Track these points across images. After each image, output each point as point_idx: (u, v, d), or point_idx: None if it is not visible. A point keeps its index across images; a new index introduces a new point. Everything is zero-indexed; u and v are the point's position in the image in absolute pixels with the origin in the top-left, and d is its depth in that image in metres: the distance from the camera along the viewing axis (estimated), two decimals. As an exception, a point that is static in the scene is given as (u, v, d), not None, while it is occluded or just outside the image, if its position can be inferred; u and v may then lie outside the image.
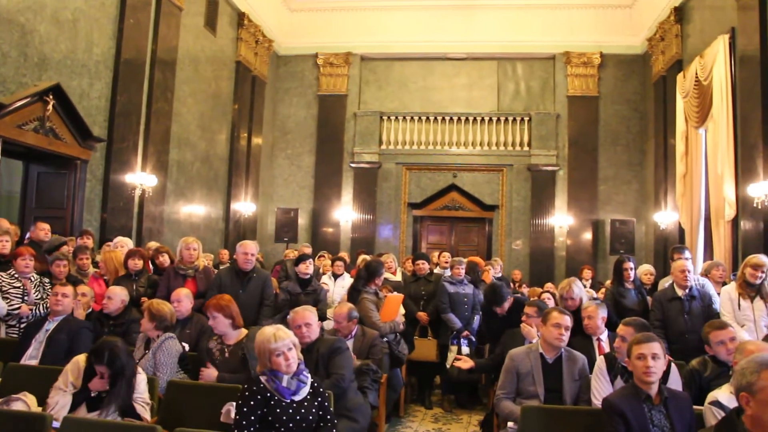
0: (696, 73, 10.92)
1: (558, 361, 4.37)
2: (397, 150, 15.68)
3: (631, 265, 6.39)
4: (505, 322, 6.02)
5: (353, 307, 5.61)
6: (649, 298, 6.53)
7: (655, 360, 3.45)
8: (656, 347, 3.49)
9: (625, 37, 14.88)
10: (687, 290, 5.82)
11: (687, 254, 6.73)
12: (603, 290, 7.60)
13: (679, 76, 12.01)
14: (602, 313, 4.99)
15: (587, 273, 10.95)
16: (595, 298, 5.92)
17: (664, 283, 6.47)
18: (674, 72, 12.41)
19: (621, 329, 4.26)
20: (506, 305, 6.12)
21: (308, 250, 9.85)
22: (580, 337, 5.03)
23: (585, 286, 7.94)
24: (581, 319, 5.07)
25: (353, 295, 6.35)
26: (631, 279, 6.40)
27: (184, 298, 5.41)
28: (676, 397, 3.56)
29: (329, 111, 16.08)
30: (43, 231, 7.27)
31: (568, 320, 4.36)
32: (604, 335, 4.98)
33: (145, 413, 3.77)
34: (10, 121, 7.74)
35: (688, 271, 5.87)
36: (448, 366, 7.11)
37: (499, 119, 15.42)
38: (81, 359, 3.91)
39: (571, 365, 4.35)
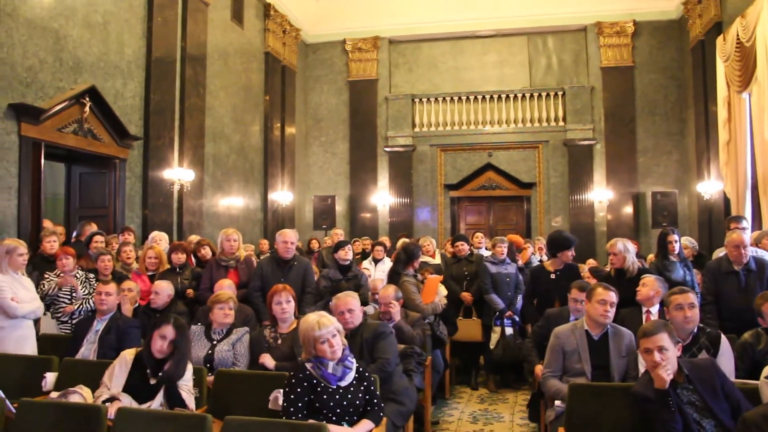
0: (737, 35, 10.56)
1: (604, 337, 4.29)
2: (430, 132, 15.63)
3: (676, 237, 6.14)
4: (554, 285, 5.93)
5: (397, 287, 5.64)
6: (695, 271, 6.36)
7: (662, 352, 3.30)
8: (662, 339, 3.32)
9: (658, 2, 14.53)
10: (744, 263, 5.46)
11: (744, 223, 6.42)
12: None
13: (718, 39, 11.65)
14: (659, 287, 4.88)
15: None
16: (645, 269, 5.75)
17: (719, 253, 6.23)
18: (713, 35, 12.04)
19: (676, 298, 4.14)
20: (570, 253, 6.04)
21: (340, 236, 9.87)
22: (630, 309, 4.98)
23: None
24: (630, 288, 5.02)
25: (394, 278, 6.37)
26: (676, 252, 6.14)
27: (227, 289, 5.49)
28: (698, 367, 3.42)
29: (360, 96, 16.08)
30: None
31: (613, 296, 4.28)
32: (655, 309, 4.88)
33: (190, 400, 3.85)
34: (50, 125, 7.92)
35: (745, 247, 5.45)
36: (491, 347, 7.11)
37: (532, 95, 15.23)
38: (128, 353, 4.01)
39: (618, 341, 4.27)
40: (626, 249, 5.61)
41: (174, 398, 3.78)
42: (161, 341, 3.86)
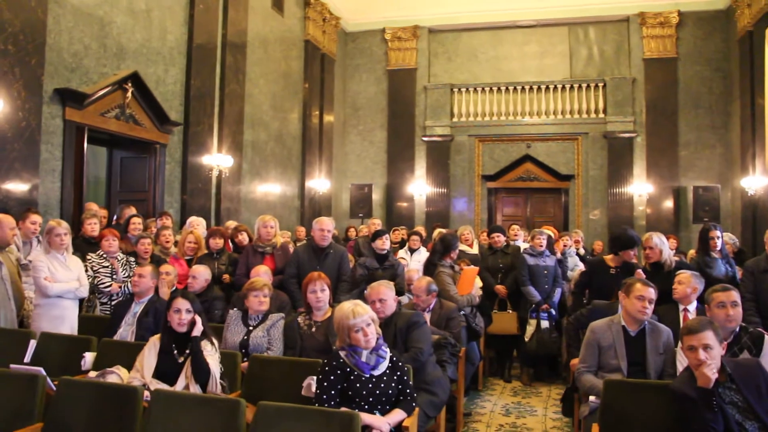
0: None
1: (641, 334, 4.20)
2: (469, 122, 15.54)
3: (718, 233, 5.98)
4: (615, 281, 5.78)
5: (431, 280, 5.61)
6: (738, 268, 6.22)
7: (707, 351, 3.20)
8: (708, 337, 3.22)
9: (705, -8, 14.20)
10: None
11: None
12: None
13: (768, 29, 11.36)
14: (695, 284, 4.79)
15: (670, 243, 10.55)
16: (683, 263, 5.63)
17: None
18: (762, 26, 11.71)
19: (718, 296, 4.01)
20: (632, 253, 5.85)
21: (377, 225, 9.85)
22: (666, 306, 4.87)
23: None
24: (668, 282, 4.92)
25: (429, 268, 6.34)
26: (718, 248, 5.99)
27: (263, 275, 5.53)
28: (741, 366, 3.33)
29: (399, 85, 16.05)
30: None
31: (652, 292, 4.17)
32: (692, 306, 4.78)
33: (215, 367, 3.93)
34: (93, 110, 8.07)
35: None
36: (526, 339, 7.07)
37: (572, 86, 15.03)
38: (156, 338, 4.13)
39: (655, 338, 4.18)
40: (662, 242, 5.50)
41: (199, 367, 3.86)
42: (177, 315, 4.01)
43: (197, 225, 7.75)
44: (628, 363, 4.15)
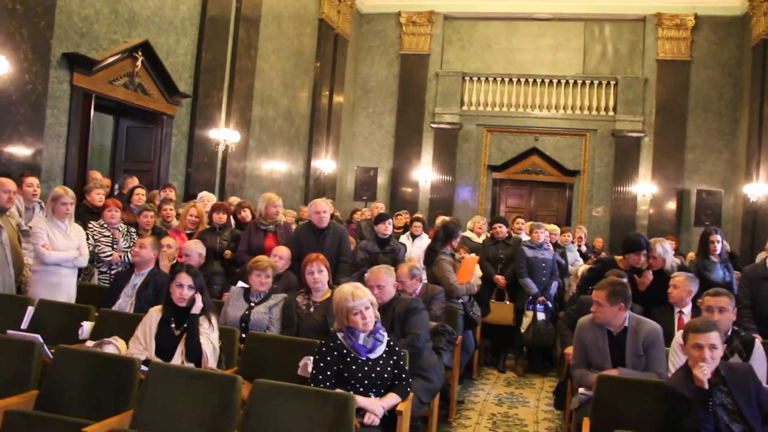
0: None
1: (623, 333, 4.19)
2: (478, 111, 15.47)
3: (719, 238, 6.01)
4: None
5: (414, 265, 5.59)
6: (736, 273, 6.24)
7: (711, 351, 3.25)
8: (715, 337, 3.27)
9: (723, -4, 14.08)
10: None
11: None
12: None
13: (783, 38, 11.26)
14: (690, 286, 4.82)
15: (670, 244, 10.55)
16: (684, 267, 5.66)
17: (760, 257, 6.08)
18: (777, 34, 11.66)
19: (708, 300, 4.07)
20: (636, 258, 5.76)
21: (381, 209, 9.82)
22: (662, 307, 4.91)
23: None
24: (665, 287, 4.94)
25: (431, 255, 6.34)
26: (718, 252, 6.00)
27: (285, 256, 5.55)
28: (735, 370, 3.39)
29: (411, 70, 15.96)
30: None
31: (596, 296, 4.18)
32: (687, 309, 4.83)
33: (209, 350, 3.92)
34: (102, 77, 8.02)
35: None
36: (522, 330, 7.10)
37: (584, 82, 14.96)
38: (156, 309, 4.13)
39: (635, 338, 4.13)
40: (665, 251, 5.51)
41: (191, 346, 3.87)
42: (179, 289, 4.01)
43: (207, 201, 7.70)
44: (612, 362, 4.14)
